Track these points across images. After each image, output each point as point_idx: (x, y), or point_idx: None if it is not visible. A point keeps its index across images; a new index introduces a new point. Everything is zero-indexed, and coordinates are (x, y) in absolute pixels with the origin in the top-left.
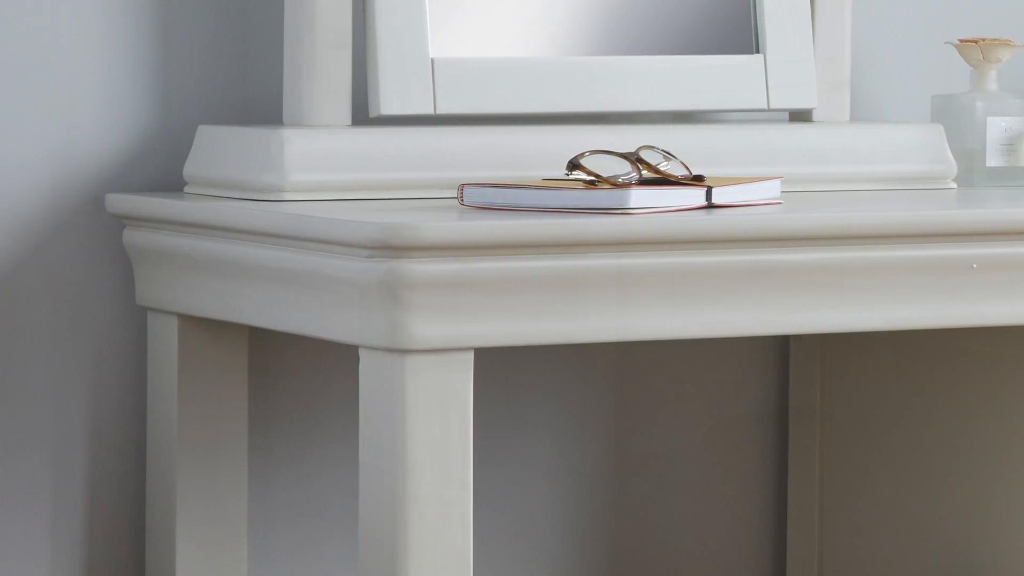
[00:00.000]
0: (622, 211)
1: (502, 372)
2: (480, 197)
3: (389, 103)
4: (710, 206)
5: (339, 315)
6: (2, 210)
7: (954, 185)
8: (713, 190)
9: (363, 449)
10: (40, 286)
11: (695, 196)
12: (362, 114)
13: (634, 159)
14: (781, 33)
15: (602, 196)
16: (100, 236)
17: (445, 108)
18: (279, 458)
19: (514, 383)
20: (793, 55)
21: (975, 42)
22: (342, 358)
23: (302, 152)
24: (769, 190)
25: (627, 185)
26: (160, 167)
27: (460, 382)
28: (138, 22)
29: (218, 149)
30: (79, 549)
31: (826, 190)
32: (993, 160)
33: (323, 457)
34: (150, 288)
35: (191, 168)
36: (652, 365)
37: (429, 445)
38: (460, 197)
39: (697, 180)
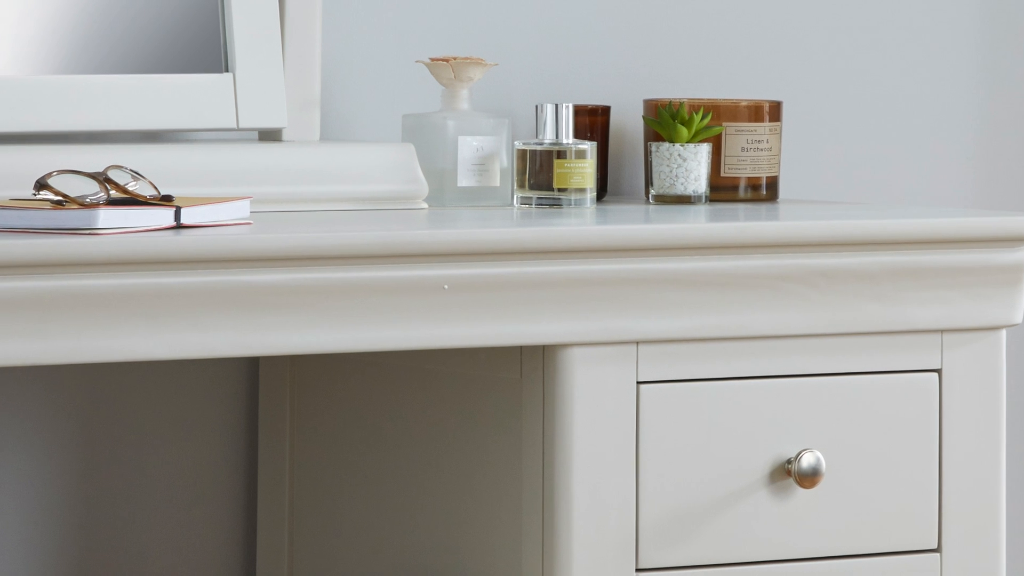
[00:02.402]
0: (89, 231)
1: None
2: None
3: None
4: (179, 226)
5: None
6: None
7: (425, 205)
8: (182, 210)
9: None
10: None
11: (164, 216)
12: None
13: (102, 179)
14: (250, 52)
15: (69, 216)
16: None
17: None
18: None
19: None
20: (263, 74)
21: (446, 61)
22: None
23: None
24: (238, 210)
25: (95, 205)
26: None
27: None
28: None
29: None
30: None
31: (297, 210)
32: (464, 180)
33: None
34: None
35: None
36: (121, 386)
37: None
38: None
39: (166, 200)
